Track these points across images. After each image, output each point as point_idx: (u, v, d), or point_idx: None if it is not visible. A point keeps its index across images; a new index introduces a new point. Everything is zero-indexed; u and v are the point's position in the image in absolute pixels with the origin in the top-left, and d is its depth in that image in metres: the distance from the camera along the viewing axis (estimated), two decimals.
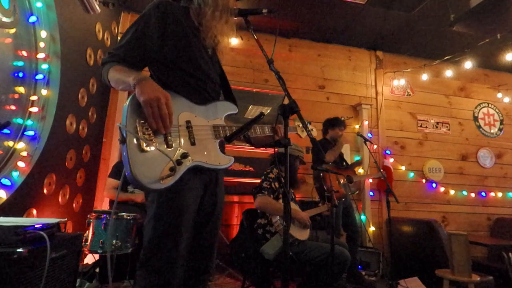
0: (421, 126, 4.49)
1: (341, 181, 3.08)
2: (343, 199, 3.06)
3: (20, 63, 1.93)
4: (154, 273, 1.03)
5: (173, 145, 1.02)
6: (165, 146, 1.01)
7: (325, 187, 2.24)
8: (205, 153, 1.11)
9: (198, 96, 1.18)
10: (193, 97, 1.16)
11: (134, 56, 1.10)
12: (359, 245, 3.25)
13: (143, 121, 0.99)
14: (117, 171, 2.78)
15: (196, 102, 1.16)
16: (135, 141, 0.95)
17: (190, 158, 1.05)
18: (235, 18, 1.23)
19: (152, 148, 0.96)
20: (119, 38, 2.77)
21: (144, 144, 0.95)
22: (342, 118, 3.41)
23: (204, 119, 1.16)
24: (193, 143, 1.08)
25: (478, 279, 2.38)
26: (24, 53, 1.96)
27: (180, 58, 1.15)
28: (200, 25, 1.21)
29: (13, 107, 1.87)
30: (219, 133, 1.17)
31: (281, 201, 2.20)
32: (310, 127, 1.56)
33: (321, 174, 2.82)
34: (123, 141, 0.93)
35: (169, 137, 1.02)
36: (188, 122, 1.10)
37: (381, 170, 3.15)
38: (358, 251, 3.22)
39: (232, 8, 1.20)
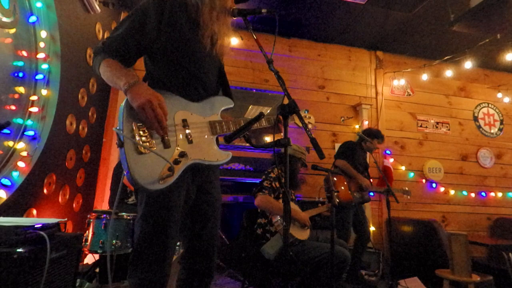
0: (421, 126, 4.49)
1: (352, 188, 3.07)
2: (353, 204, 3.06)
3: (20, 63, 1.93)
4: (143, 272, 1.03)
5: (171, 144, 1.03)
6: (163, 147, 1.01)
7: (331, 187, 2.24)
8: (203, 150, 1.11)
9: (193, 91, 1.17)
10: (188, 93, 1.15)
11: (128, 48, 1.09)
12: (366, 249, 3.22)
13: (139, 123, 0.99)
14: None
15: (191, 99, 1.15)
16: (132, 144, 0.95)
17: (188, 156, 1.05)
18: (234, 18, 1.23)
19: (149, 151, 0.97)
20: None
21: (142, 148, 0.95)
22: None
23: (201, 116, 1.15)
24: (190, 141, 1.08)
25: (478, 279, 2.38)
26: (24, 53, 1.96)
27: (177, 52, 1.14)
28: (198, 22, 1.20)
29: (13, 107, 1.87)
30: (215, 129, 1.17)
31: (281, 200, 2.20)
32: (307, 115, 1.56)
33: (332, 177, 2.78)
34: (120, 145, 0.94)
35: (166, 137, 1.02)
36: (184, 120, 1.10)
37: (385, 181, 3.11)
38: (364, 254, 3.19)
39: (230, 8, 1.20)
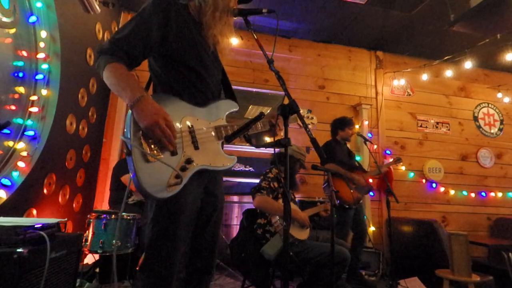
0: (421, 126, 4.49)
1: (352, 186, 3.06)
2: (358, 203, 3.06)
3: (20, 63, 1.93)
4: (153, 276, 1.03)
5: (177, 151, 1.03)
6: (170, 154, 1.01)
7: (331, 187, 2.24)
8: (209, 155, 1.11)
9: (199, 95, 1.17)
10: (194, 96, 1.15)
11: (134, 49, 1.06)
12: (363, 247, 3.23)
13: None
14: (126, 167, 2.74)
15: (197, 104, 1.15)
16: (140, 153, 0.96)
17: (194, 162, 1.06)
18: (235, 18, 1.23)
19: (157, 159, 0.98)
20: None
21: (149, 156, 0.96)
22: None
23: (206, 121, 1.15)
24: (196, 147, 1.08)
25: (478, 279, 2.38)
26: (24, 53, 1.96)
27: (184, 52, 1.14)
28: (201, 23, 1.20)
29: (13, 107, 1.87)
30: (221, 133, 1.17)
31: (280, 201, 2.20)
32: (310, 115, 1.56)
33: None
34: (128, 153, 0.95)
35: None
36: (190, 126, 1.10)
37: (376, 162, 3.15)
38: (362, 252, 3.20)
39: (231, 8, 1.20)
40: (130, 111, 0.99)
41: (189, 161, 1.04)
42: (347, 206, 2.97)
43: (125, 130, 0.99)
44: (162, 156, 1.00)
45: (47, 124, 2.17)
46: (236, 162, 1.22)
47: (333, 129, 3.31)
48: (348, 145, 3.41)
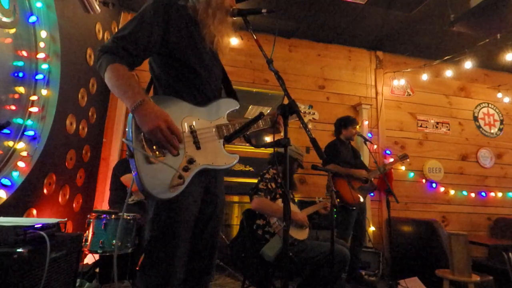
0: (421, 126, 4.49)
1: (356, 186, 3.05)
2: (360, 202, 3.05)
3: (20, 63, 1.93)
4: (154, 275, 1.03)
5: (179, 152, 1.03)
6: (172, 155, 1.01)
7: (331, 187, 2.24)
8: (211, 155, 1.12)
9: (199, 94, 1.17)
10: (194, 96, 1.16)
11: (136, 48, 1.06)
12: (363, 246, 3.23)
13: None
14: (126, 167, 2.73)
15: (197, 103, 1.15)
16: (142, 155, 0.96)
17: (196, 162, 1.06)
18: (234, 18, 1.23)
19: (159, 161, 0.98)
20: None
21: (151, 158, 0.97)
22: None
23: (207, 121, 1.16)
24: (198, 147, 1.09)
25: (478, 279, 2.38)
26: (24, 53, 1.96)
27: (184, 52, 1.14)
28: (198, 22, 1.21)
29: (13, 107, 1.87)
30: (222, 132, 1.17)
31: (278, 201, 2.19)
32: (311, 110, 1.56)
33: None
34: (130, 155, 0.95)
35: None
36: (191, 126, 1.10)
37: (376, 163, 3.15)
38: (361, 251, 3.20)
39: (229, 8, 1.20)
40: (130, 117, 0.99)
41: (191, 161, 1.04)
42: (351, 208, 2.96)
43: (127, 129, 1.00)
44: (164, 158, 1.00)
45: (47, 124, 2.17)
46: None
47: (337, 128, 3.31)
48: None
